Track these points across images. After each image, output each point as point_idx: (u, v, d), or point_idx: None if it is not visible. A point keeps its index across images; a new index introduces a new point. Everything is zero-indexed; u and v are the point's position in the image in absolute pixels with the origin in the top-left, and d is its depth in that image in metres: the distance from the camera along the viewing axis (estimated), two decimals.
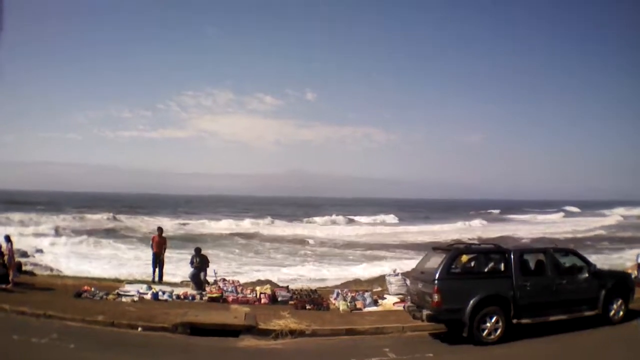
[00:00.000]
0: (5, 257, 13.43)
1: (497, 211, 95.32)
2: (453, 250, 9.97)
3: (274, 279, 18.81)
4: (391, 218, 73.78)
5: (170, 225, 51.57)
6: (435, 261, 9.80)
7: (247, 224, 55.12)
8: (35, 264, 20.83)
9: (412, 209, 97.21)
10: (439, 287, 9.18)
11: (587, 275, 10.23)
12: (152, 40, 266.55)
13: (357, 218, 71.37)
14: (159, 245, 16.30)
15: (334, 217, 69.54)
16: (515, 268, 9.66)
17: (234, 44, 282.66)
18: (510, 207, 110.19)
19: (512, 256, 9.76)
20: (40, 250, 27.62)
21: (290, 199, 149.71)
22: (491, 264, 10.00)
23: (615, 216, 76.43)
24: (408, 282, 12.25)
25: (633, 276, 11.87)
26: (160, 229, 17.05)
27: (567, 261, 10.56)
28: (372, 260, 29.70)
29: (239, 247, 36.73)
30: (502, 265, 9.78)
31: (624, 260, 24.85)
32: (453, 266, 9.63)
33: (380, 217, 73.80)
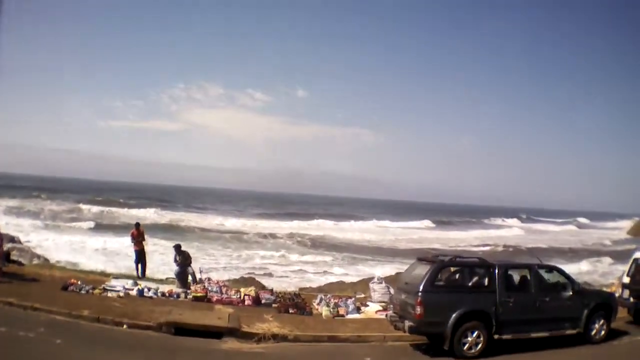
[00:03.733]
0: None
1: (513, 219, 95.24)
2: (438, 262, 10.34)
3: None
4: (427, 223, 74.65)
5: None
6: (420, 272, 10.19)
7: (295, 224, 57.54)
8: (22, 250, 21.38)
9: (427, 213, 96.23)
10: (422, 299, 9.58)
11: (570, 293, 10.73)
12: (144, 31, 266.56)
13: (391, 224, 71.61)
14: (139, 240, 16.85)
15: (374, 221, 71.49)
16: (499, 283, 10.12)
17: (225, 39, 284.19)
18: (517, 214, 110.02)
19: (496, 271, 10.22)
20: (27, 236, 28.22)
21: (284, 196, 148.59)
22: (475, 278, 10.49)
23: (628, 229, 76.75)
24: (392, 290, 12.80)
25: (617, 295, 12.37)
26: (137, 224, 17.56)
27: (551, 278, 11.05)
28: None
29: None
30: (486, 280, 10.24)
31: None
32: (437, 279, 10.05)
33: (415, 223, 74.34)
